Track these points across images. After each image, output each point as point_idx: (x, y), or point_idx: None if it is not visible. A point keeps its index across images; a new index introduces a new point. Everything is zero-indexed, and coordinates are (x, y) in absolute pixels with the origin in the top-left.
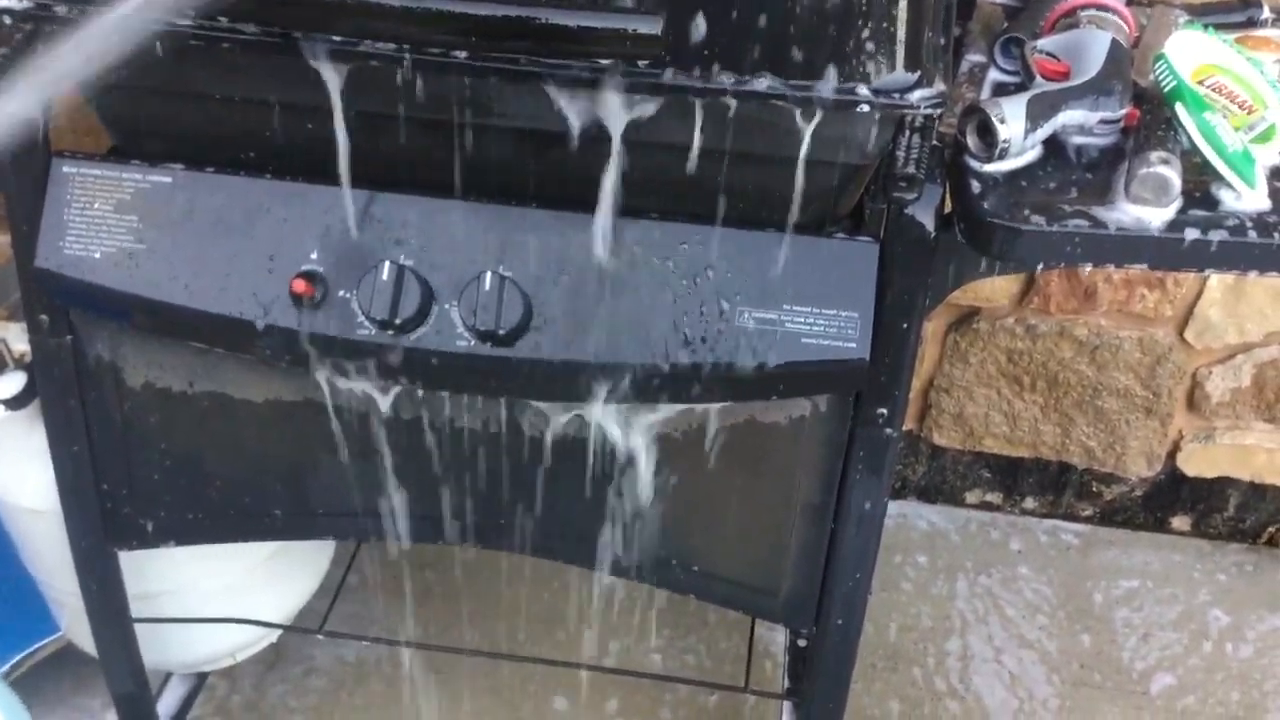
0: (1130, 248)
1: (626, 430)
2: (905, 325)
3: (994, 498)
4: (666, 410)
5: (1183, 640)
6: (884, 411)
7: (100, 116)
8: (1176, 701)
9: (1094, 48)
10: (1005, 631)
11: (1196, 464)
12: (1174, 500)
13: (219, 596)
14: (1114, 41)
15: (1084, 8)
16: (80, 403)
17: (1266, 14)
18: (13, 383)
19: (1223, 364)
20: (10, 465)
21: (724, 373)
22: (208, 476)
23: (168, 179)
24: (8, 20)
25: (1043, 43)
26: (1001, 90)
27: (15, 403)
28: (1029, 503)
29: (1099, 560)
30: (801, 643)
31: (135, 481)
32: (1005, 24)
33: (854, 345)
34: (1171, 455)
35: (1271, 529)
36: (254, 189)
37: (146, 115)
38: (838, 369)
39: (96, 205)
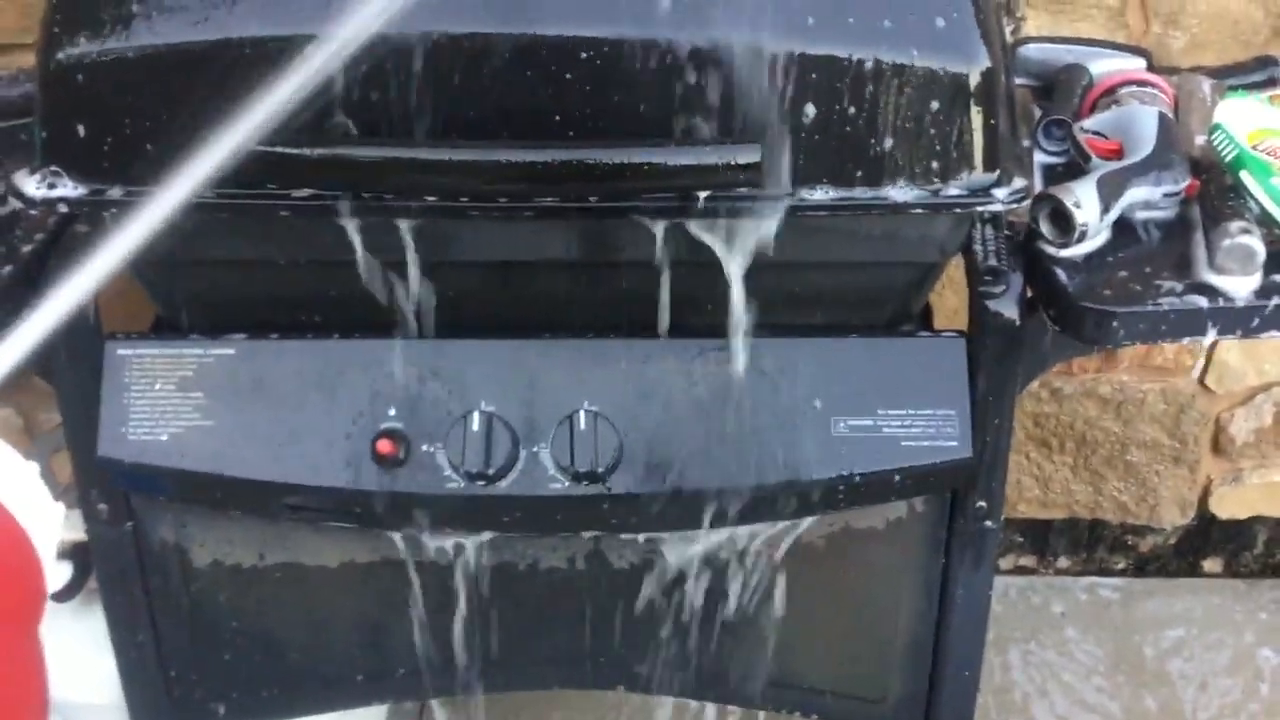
0: (1223, 320)
1: (724, 552)
2: (1000, 416)
3: (1028, 561)
4: (764, 528)
5: (1239, 685)
6: (984, 505)
7: (151, 293)
8: None
9: (1144, 124)
10: (1067, 699)
11: (1229, 506)
12: (1204, 543)
13: None
14: (1162, 115)
15: (1124, 85)
16: (144, 590)
17: None
18: (58, 575)
19: (1244, 406)
20: (62, 660)
21: (827, 486)
22: (282, 649)
23: (230, 350)
24: (62, 207)
25: (1090, 123)
26: (1051, 172)
27: (62, 595)
28: (1062, 562)
29: (1141, 612)
30: None
31: (204, 664)
32: (1036, 106)
33: (956, 443)
34: (1203, 500)
35: None
36: (322, 351)
37: (203, 287)
38: (942, 468)
39: (158, 386)
